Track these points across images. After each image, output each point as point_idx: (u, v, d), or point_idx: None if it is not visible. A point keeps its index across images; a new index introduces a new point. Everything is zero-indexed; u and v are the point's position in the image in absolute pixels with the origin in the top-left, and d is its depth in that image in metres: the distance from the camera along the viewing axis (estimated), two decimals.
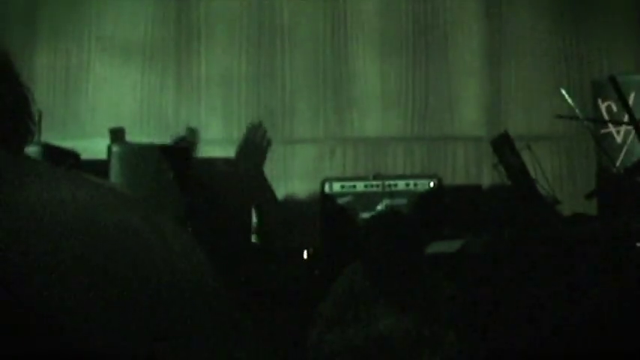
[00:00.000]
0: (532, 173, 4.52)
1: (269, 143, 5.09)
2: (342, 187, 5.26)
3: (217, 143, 5.89)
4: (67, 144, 4.97)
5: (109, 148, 4.86)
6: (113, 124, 5.60)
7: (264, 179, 5.64)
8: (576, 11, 6.11)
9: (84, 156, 4.86)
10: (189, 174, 4.85)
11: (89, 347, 0.64)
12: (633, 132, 3.94)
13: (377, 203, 5.19)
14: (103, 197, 0.77)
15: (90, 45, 6.08)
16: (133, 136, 5.58)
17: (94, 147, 5.33)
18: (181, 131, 5.90)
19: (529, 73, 6.09)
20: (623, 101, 3.63)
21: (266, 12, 6.14)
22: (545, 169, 4.81)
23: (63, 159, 4.48)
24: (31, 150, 1.20)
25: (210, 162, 5.69)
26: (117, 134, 5.45)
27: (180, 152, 5.03)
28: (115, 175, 4.69)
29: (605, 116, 5.35)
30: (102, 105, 5.99)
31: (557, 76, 6.03)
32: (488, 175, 5.77)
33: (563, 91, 4.23)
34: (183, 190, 4.61)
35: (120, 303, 0.67)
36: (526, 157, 4.55)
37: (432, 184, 5.26)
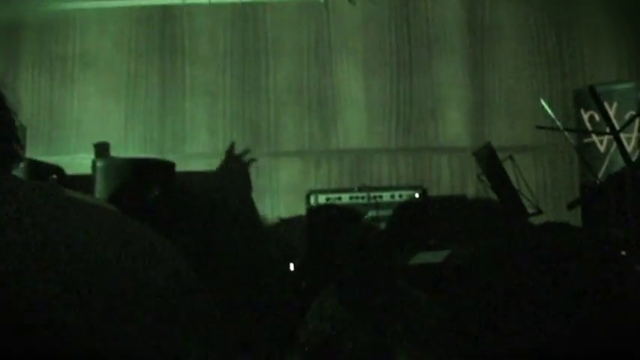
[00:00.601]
0: (515, 183, 4.53)
1: (252, 158, 5.09)
2: (328, 199, 5.27)
3: (202, 156, 5.89)
4: (51, 159, 4.96)
5: (94, 163, 4.85)
6: (97, 139, 5.59)
7: (248, 193, 5.63)
8: (558, 22, 6.17)
9: (68, 171, 4.85)
10: (173, 188, 4.84)
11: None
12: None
13: (362, 215, 5.21)
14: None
15: (74, 61, 6.08)
16: (118, 151, 5.58)
17: (79, 162, 5.33)
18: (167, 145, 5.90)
19: (512, 85, 6.13)
20: (602, 111, 3.66)
21: (250, 25, 6.16)
22: (528, 179, 4.83)
23: (47, 174, 4.47)
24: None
25: (194, 175, 5.69)
26: (101, 149, 5.43)
27: (164, 166, 5.02)
28: (99, 190, 4.67)
29: (588, 126, 5.38)
30: (86, 120, 5.99)
31: (539, 86, 6.07)
32: (472, 186, 5.79)
33: (544, 102, 4.26)
34: (167, 203, 4.61)
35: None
36: (509, 167, 4.56)
37: (416, 195, 5.28)
